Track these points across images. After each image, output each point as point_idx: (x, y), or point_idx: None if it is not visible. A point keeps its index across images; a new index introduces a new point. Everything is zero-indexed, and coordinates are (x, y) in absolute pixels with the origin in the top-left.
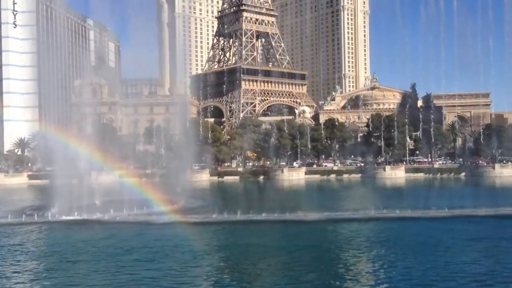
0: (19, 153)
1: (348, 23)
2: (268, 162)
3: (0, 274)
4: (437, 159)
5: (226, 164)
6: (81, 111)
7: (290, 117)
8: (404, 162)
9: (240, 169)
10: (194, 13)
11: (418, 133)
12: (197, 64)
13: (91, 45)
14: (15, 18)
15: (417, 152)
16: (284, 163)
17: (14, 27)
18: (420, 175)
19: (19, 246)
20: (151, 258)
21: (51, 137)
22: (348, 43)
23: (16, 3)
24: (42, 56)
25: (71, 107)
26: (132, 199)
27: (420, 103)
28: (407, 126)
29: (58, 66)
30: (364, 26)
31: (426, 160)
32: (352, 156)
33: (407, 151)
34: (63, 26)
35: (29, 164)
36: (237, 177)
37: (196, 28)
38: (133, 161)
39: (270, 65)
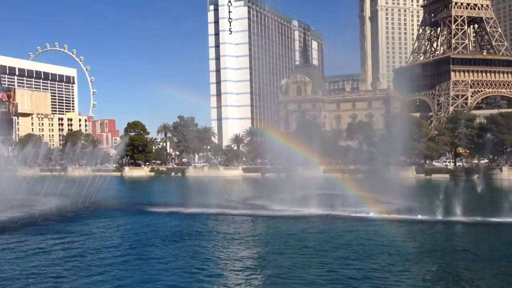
0: (235, 148)
1: None
2: (483, 160)
3: (212, 258)
4: None
5: (433, 161)
6: (287, 108)
7: (510, 110)
8: None
9: (450, 166)
10: (398, 4)
11: None
12: (400, 57)
13: (296, 45)
14: (230, 26)
15: None
16: (503, 161)
17: (230, 34)
18: None
19: (232, 234)
20: (355, 256)
21: (262, 134)
22: None
23: (231, 12)
24: (254, 59)
25: (278, 105)
26: (336, 195)
27: None
28: None
29: (267, 67)
30: None
31: None
32: None
33: None
34: (272, 29)
35: (243, 158)
36: (446, 175)
37: (399, 19)
38: (336, 157)
39: (484, 53)
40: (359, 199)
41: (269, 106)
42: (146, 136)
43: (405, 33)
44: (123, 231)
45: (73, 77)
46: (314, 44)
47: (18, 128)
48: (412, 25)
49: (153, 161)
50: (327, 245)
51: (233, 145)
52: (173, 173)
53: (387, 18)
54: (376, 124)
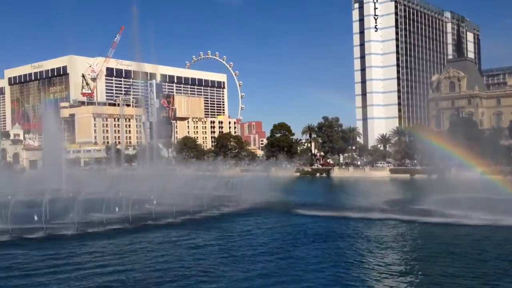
0: (381, 148)
1: None
2: None
3: (355, 262)
4: None
5: None
6: (439, 106)
7: None
8: None
9: None
10: None
11: None
12: None
13: (449, 38)
14: (376, 22)
15: None
16: None
17: (375, 31)
18: None
19: (375, 238)
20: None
21: (411, 133)
22: None
23: (377, 8)
24: (401, 55)
25: (428, 103)
26: (499, 199)
27: None
28: None
29: (416, 63)
30: None
31: None
32: None
33: None
34: (421, 23)
35: (390, 159)
36: None
37: None
38: (496, 158)
39: None
40: None
41: (418, 104)
42: (291, 137)
43: None
44: (270, 230)
45: (223, 82)
46: (470, 36)
47: (176, 131)
48: None
49: (298, 161)
50: (486, 255)
51: (379, 145)
52: (318, 174)
53: None
54: None
